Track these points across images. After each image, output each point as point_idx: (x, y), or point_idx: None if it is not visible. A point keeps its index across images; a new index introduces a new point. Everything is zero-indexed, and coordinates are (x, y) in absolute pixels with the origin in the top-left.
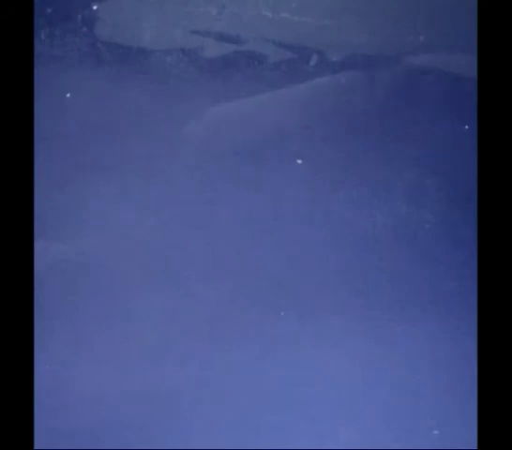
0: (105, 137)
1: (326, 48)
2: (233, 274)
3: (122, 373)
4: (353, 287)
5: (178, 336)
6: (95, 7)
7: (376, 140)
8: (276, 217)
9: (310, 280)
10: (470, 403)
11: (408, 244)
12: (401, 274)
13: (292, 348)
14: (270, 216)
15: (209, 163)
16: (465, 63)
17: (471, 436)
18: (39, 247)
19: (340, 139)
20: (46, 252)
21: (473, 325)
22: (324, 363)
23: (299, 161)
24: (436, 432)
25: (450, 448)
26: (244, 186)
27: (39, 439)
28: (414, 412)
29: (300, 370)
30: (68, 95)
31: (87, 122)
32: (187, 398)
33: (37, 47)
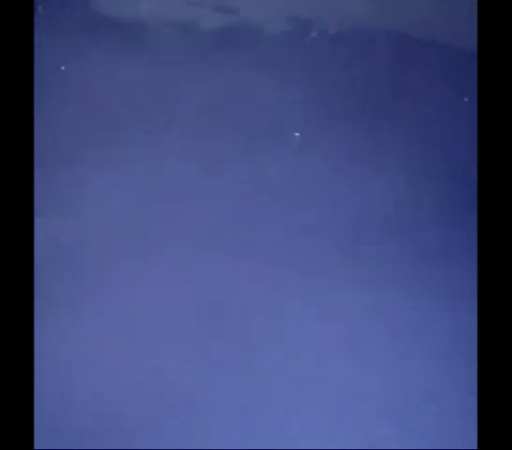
0: (100, 111)
1: (325, 20)
2: (229, 247)
3: (117, 351)
4: (351, 259)
5: (174, 311)
6: None
7: (374, 113)
8: (273, 190)
9: (308, 254)
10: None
11: (406, 218)
12: (400, 250)
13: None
14: (267, 189)
15: (205, 135)
16: (465, 37)
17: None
18: (39, 223)
19: (338, 112)
20: (45, 229)
21: (473, 305)
22: (321, 338)
23: (297, 134)
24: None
25: (450, 448)
26: (239, 159)
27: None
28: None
29: (297, 348)
30: (63, 67)
31: (82, 95)
32: (183, 377)
33: (35, 20)
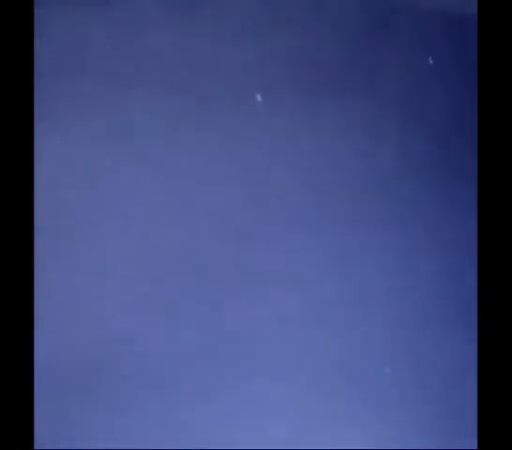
0: (65, 74)
1: None
2: (198, 213)
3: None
4: (325, 231)
5: (149, 277)
6: None
7: (344, 76)
8: (239, 156)
9: (276, 220)
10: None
11: (375, 179)
12: (369, 199)
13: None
14: (233, 155)
15: (169, 101)
16: None
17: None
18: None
19: (306, 76)
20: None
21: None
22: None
23: (259, 98)
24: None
25: (450, 448)
26: (204, 124)
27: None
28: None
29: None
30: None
31: (47, 59)
32: (151, 347)
33: None
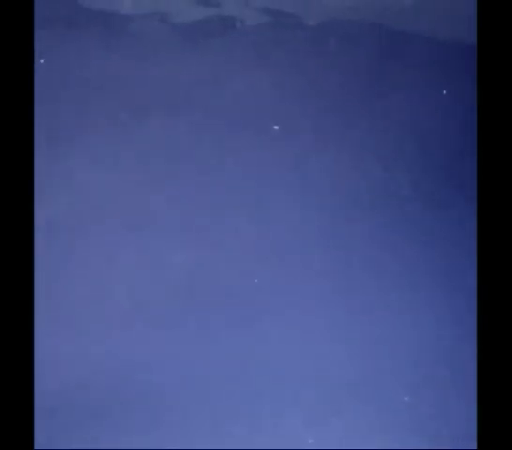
0: (79, 102)
1: (304, 12)
2: (209, 239)
3: (93, 336)
4: (331, 251)
5: (151, 301)
6: None
7: (355, 105)
8: (253, 183)
9: (289, 247)
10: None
11: (385, 208)
12: (380, 237)
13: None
14: (248, 182)
15: (185, 128)
16: (447, 27)
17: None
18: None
19: (319, 105)
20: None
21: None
22: (301, 334)
23: (276, 127)
24: (406, 399)
25: (450, 448)
26: (220, 152)
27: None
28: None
29: (275, 343)
30: (42, 61)
31: (62, 88)
32: (156, 367)
33: None
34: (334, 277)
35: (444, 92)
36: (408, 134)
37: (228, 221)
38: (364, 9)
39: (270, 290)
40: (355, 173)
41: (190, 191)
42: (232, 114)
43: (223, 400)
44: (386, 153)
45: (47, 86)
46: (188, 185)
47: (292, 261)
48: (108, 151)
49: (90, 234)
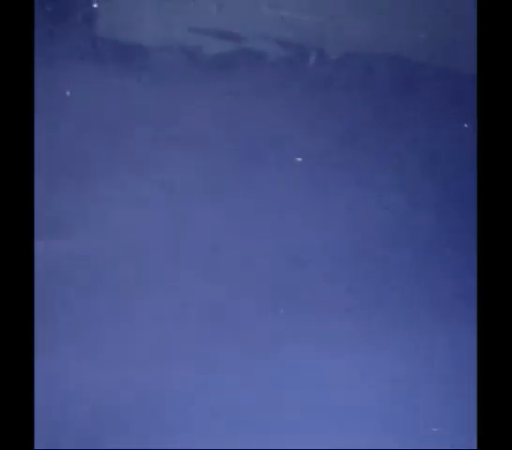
0: (104, 135)
1: (325, 45)
2: (234, 272)
3: (120, 371)
4: (353, 287)
5: (176, 334)
6: (95, 5)
7: (376, 138)
8: (277, 216)
9: (310, 280)
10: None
11: (408, 244)
12: (402, 274)
13: (290, 347)
14: (271, 215)
15: (209, 161)
16: (465, 60)
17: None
18: (39, 245)
19: (340, 137)
20: (46, 251)
21: (473, 326)
22: (323, 363)
23: (299, 159)
24: (435, 430)
25: (450, 448)
26: (244, 184)
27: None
28: (412, 411)
29: (297, 371)
30: (68, 93)
31: (87, 121)
32: (185, 397)
33: (37, 45)
34: (361, 316)
35: (466, 125)
36: (429, 169)
37: (255, 254)
38: (383, 42)
39: (295, 320)
40: (378, 208)
41: (218, 225)
42: (253, 147)
43: (253, 433)
44: (409, 187)
45: (73, 119)
46: (215, 218)
47: (317, 296)
48: (131, 185)
49: (119, 270)
